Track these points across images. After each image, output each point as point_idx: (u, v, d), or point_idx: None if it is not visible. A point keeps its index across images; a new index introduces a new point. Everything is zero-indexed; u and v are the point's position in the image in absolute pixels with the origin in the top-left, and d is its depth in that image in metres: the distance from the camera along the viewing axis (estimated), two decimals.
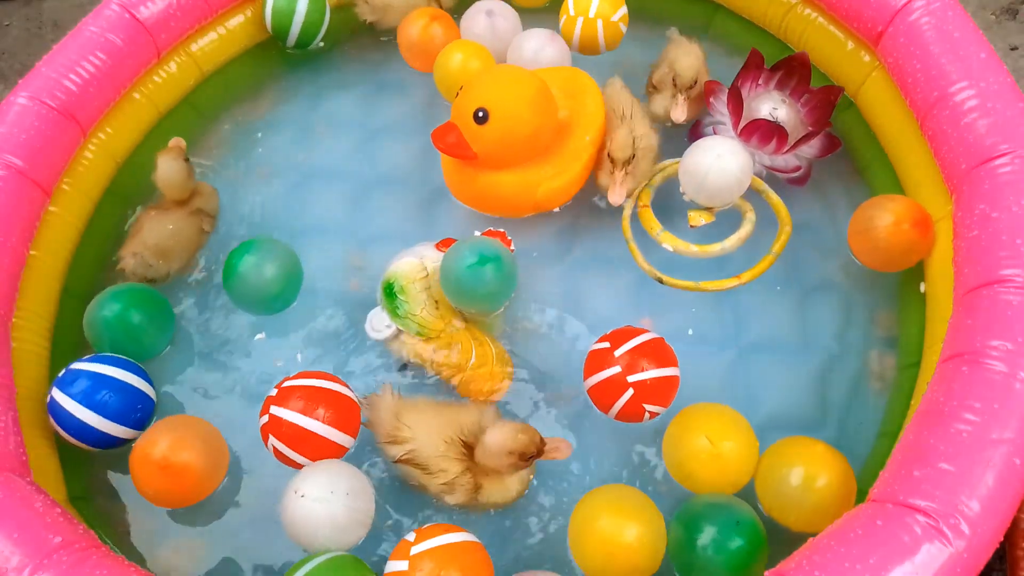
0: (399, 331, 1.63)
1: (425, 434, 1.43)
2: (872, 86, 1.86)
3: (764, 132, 1.75)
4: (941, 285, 1.53)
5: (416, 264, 1.66)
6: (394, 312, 1.62)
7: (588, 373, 1.51)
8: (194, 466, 1.41)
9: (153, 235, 1.76)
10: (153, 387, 1.59)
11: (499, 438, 1.36)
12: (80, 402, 1.47)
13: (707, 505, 1.38)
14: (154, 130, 2.05)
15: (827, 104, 1.82)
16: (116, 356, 1.57)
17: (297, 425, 1.39)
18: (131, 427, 1.52)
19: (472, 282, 1.54)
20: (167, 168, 1.77)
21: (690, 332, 1.69)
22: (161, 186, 1.79)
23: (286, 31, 2.10)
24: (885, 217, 1.59)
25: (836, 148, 1.82)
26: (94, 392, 1.48)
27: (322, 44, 2.20)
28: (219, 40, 2.13)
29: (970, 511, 1.12)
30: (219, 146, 2.09)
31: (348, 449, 1.47)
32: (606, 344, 1.49)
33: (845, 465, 1.38)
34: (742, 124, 1.79)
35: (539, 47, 1.94)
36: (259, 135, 2.10)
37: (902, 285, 1.70)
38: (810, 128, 1.83)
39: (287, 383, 1.44)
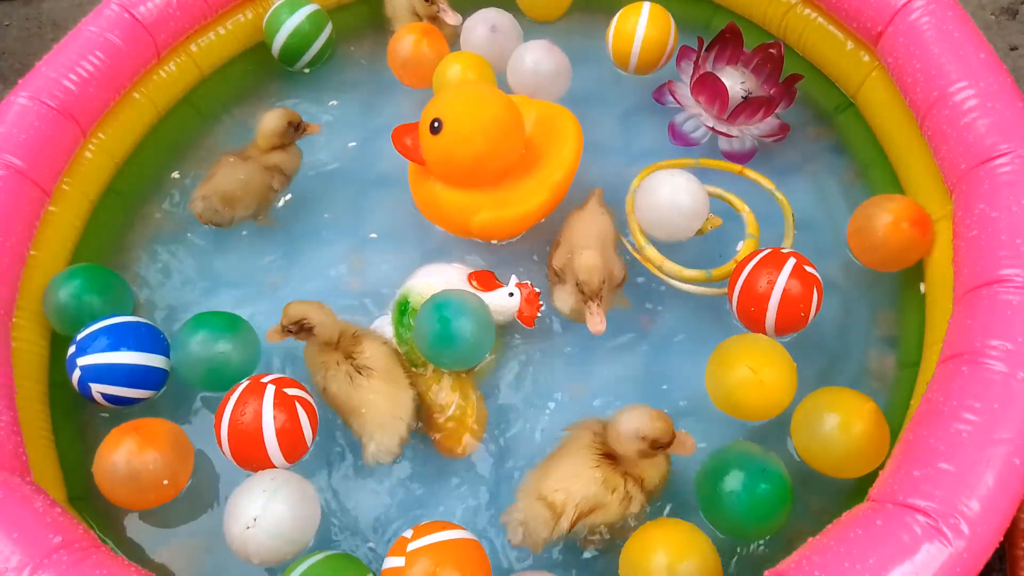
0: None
1: (576, 485, 1.34)
2: (872, 86, 1.86)
3: (753, 108, 1.81)
4: (941, 285, 1.53)
5: (434, 287, 1.61)
6: (399, 332, 1.60)
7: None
8: (156, 469, 1.41)
9: (224, 182, 1.81)
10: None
11: (634, 423, 1.32)
12: (110, 351, 1.51)
13: (737, 453, 1.39)
14: (154, 130, 2.06)
15: (771, 59, 1.89)
16: (103, 316, 1.59)
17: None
18: (163, 354, 1.59)
19: (437, 339, 1.48)
20: (272, 119, 1.84)
21: (688, 332, 1.69)
22: (260, 132, 1.86)
23: (298, 56, 2.12)
24: (884, 216, 1.59)
25: (793, 97, 1.90)
26: (118, 340, 1.53)
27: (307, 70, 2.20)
28: (219, 40, 2.13)
29: (970, 511, 1.12)
30: (219, 146, 2.08)
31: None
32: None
33: (879, 415, 1.39)
34: (730, 109, 1.84)
35: (538, 59, 1.92)
36: None
37: (902, 285, 1.70)
38: (766, 87, 1.91)
39: None
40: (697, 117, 1.94)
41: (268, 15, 2.10)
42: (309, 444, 1.48)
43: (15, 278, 1.62)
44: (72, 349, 1.54)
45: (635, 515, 1.38)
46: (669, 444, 1.34)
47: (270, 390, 1.42)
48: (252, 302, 1.80)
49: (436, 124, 1.63)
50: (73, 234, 1.82)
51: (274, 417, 1.40)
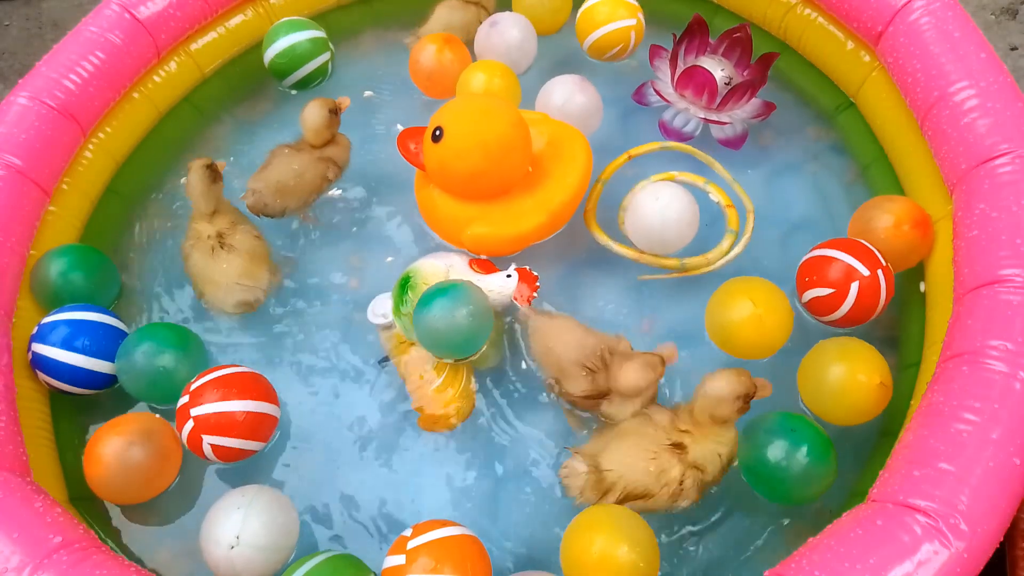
0: (393, 324, 1.62)
1: (630, 472, 1.36)
2: (872, 86, 1.87)
3: (739, 92, 1.84)
4: (941, 285, 1.53)
5: (439, 270, 1.64)
6: (398, 305, 1.61)
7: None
8: (144, 463, 1.42)
9: (277, 172, 1.81)
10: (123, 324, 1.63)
11: (726, 386, 1.34)
12: (62, 347, 1.52)
13: (774, 418, 1.42)
14: (154, 130, 2.06)
15: (740, 42, 1.92)
16: (80, 304, 1.60)
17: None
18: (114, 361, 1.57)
19: (436, 326, 1.47)
20: (312, 112, 1.82)
21: (690, 331, 1.69)
22: (304, 126, 1.84)
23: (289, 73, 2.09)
24: (885, 219, 1.59)
25: (771, 110, 1.93)
26: (73, 336, 1.53)
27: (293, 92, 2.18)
28: (219, 39, 2.13)
29: (970, 511, 1.12)
30: (219, 146, 2.08)
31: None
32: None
33: (884, 364, 1.45)
34: (719, 97, 1.88)
35: (568, 94, 1.87)
36: (259, 135, 2.10)
37: (902, 285, 1.70)
38: (738, 69, 1.95)
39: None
40: (685, 112, 1.96)
41: (270, 28, 2.09)
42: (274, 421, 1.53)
43: (15, 278, 1.62)
44: (34, 330, 1.56)
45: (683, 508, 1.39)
46: (755, 393, 1.37)
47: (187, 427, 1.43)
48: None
49: (437, 132, 1.63)
50: (73, 234, 1.82)
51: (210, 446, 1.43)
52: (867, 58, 1.87)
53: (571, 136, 1.79)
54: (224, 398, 1.42)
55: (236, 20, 2.15)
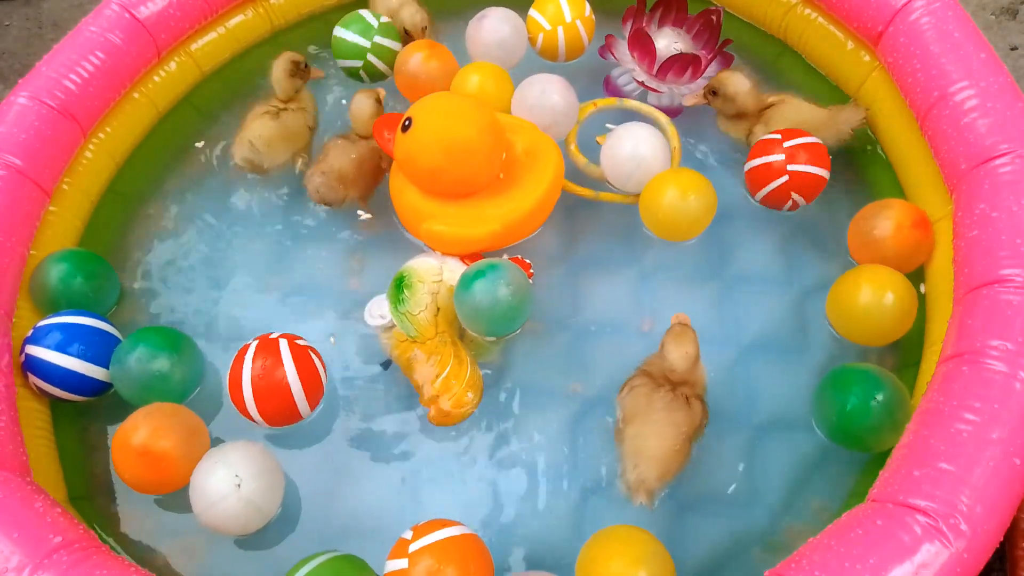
0: (392, 324, 1.63)
1: (672, 461, 1.39)
2: (872, 86, 1.87)
3: (680, 66, 1.89)
4: (941, 285, 1.54)
5: (434, 267, 1.66)
6: (395, 304, 1.61)
7: (751, 157, 1.76)
8: (172, 453, 1.42)
9: (339, 161, 1.83)
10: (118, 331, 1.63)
11: (678, 349, 1.46)
12: (57, 350, 1.52)
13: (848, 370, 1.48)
14: (154, 130, 2.06)
15: (711, 26, 1.97)
16: (76, 310, 1.60)
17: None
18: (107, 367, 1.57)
19: (488, 306, 1.52)
20: (359, 103, 1.86)
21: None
22: (352, 118, 1.88)
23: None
24: (885, 225, 1.59)
25: (730, 62, 1.99)
26: (68, 341, 1.53)
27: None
28: (219, 40, 2.13)
29: (970, 511, 1.12)
30: (219, 146, 2.08)
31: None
32: (776, 136, 1.73)
33: (908, 285, 1.52)
34: (657, 65, 1.92)
35: (542, 91, 1.84)
36: None
37: None
38: (703, 52, 2.00)
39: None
40: (631, 72, 2.01)
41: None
42: (324, 387, 1.55)
43: (15, 278, 1.62)
44: (29, 332, 1.56)
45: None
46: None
47: (284, 344, 1.49)
48: (251, 302, 1.80)
49: (407, 123, 1.64)
50: (73, 234, 1.82)
51: (296, 367, 1.47)
52: (867, 58, 1.88)
53: (548, 150, 1.78)
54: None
55: (236, 20, 2.15)
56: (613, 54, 2.04)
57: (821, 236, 1.81)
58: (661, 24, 2.05)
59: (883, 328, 1.54)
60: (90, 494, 1.56)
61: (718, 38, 1.99)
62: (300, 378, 1.47)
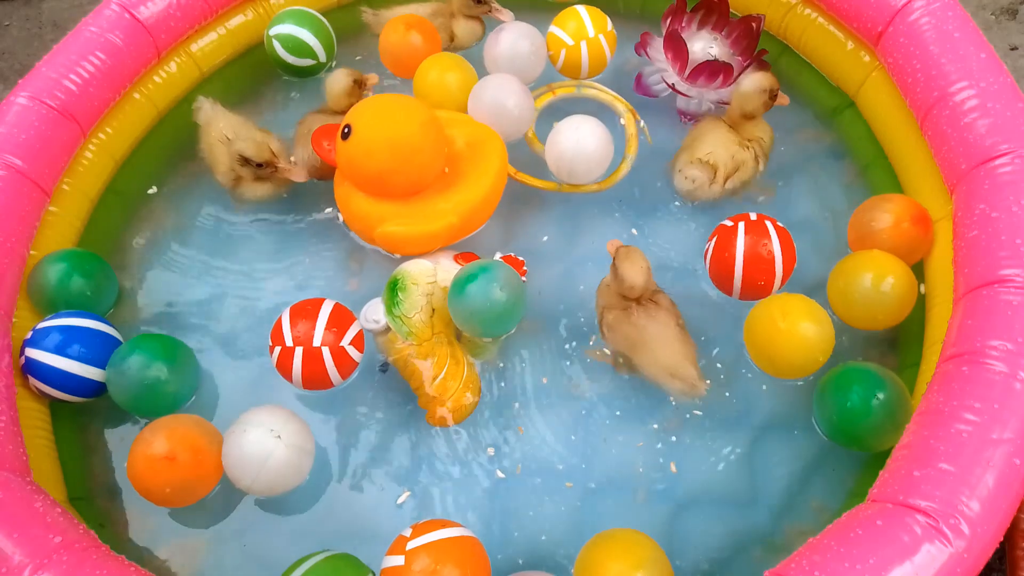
0: (388, 328, 1.62)
1: (722, 149, 1.77)
2: (872, 86, 1.87)
3: (711, 72, 1.87)
4: (941, 285, 1.53)
5: (428, 269, 1.66)
6: (390, 307, 1.61)
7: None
8: (191, 465, 1.41)
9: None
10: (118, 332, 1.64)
11: (755, 83, 1.75)
12: (55, 352, 1.52)
13: (846, 370, 1.48)
14: (154, 130, 2.06)
15: (750, 33, 1.93)
16: (74, 311, 1.60)
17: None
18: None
19: (481, 308, 1.52)
20: (334, 78, 1.88)
21: (690, 330, 1.69)
22: (327, 94, 1.90)
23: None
24: (884, 219, 1.59)
25: (767, 71, 1.92)
26: (67, 343, 1.53)
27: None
28: (219, 40, 2.13)
29: (970, 511, 1.12)
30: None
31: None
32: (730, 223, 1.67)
33: (907, 270, 1.54)
34: (689, 68, 1.89)
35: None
36: None
37: None
38: (739, 59, 1.96)
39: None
40: (662, 73, 1.99)
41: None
42: (358, 361, 1.58)
43: (15, 278, 1.62)
44: (28, 335, 1.55)
45: (761, 174, 1.81)
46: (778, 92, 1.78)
47: (326, 306, 1.53)
48: (251, 303, 1.80)
49: (346, 130, 1.64)
50: (73, 234, 1.82)
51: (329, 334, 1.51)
52: (867, 58, 1.88)
53: (488, 138, 1.80)
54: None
55: (236, 20, 2.15)
56: (646, 52, 2.00)
57: (821, 236, 1.81)
58: (701, 26, 2.00)
59: (884, 308, 1.54)
60: (90, 494, 1.56)
61: (756, 45, 1.94)
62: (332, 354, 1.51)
